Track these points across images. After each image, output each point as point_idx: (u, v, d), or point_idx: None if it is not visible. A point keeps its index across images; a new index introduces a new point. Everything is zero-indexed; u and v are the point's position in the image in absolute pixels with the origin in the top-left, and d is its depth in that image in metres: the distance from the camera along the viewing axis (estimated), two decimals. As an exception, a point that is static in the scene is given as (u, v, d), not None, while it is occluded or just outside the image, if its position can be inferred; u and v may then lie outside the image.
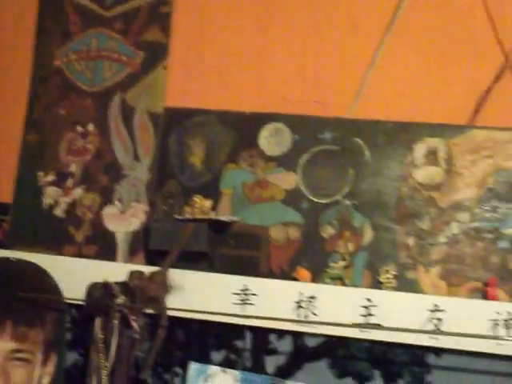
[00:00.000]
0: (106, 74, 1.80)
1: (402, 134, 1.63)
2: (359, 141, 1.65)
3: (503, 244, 1.54)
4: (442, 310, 1.46)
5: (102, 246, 1.73)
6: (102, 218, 1.74)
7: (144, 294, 1.55)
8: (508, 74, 1.61)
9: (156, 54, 1.78)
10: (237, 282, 1.57)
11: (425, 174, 1.60)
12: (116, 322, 1.53)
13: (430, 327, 1.46)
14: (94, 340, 1.55)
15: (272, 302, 1.54)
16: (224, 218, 1.64)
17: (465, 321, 1.45)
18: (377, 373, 1.53)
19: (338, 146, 1.66)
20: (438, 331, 1.45)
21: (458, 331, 1.43)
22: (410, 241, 1.58)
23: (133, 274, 1.58)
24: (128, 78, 1.79)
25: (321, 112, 1.68)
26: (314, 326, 1.52)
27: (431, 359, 1.51)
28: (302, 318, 1.52)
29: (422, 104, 1.64)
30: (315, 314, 1.52)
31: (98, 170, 1.77)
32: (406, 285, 1.56)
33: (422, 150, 1.61)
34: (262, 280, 1.57)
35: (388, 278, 1.55)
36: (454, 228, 1.56)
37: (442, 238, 1.57)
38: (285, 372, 1.58)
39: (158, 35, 1.78)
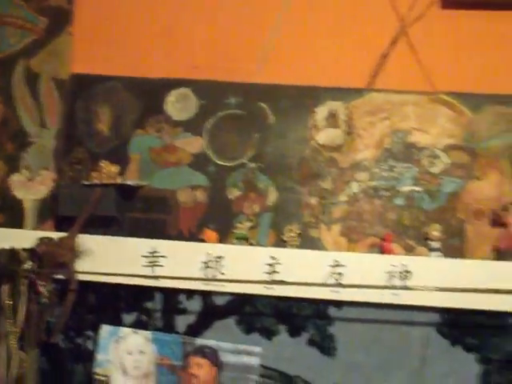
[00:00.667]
0: (9, 40, 1.78)
1: (305, 97, 1.68)
2: (263, 105, 1.69)
3: (399, 201, 1.62)
4: (342, 265, 1.54)
5: (10, 214, 1.72)
6: (9, 185, 1.73)
7: (52, 259, 1.57)
8: (403, 39, 1.68)
9: (60, 20, 1.77)
10: (145, 244, 1.60)
11: (326, 136, 1.66)
12: (23, 287, 1.54)
13: (332, 281, 1.54)
14: (2, 306, 1.55)
15: (180, 263, 1.58)
16: (131, 182, 1.66)
17: (363, 274, 1.53)
18: (282, 327, 1.60)
19: (242, 110, 1.70)
20: (338, 284, 1.53)
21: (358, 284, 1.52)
22: (313, 200, 1.64)
23: (41, 240, 1.59)
24: (32, 44, 1.77)
25: (226, 77, 1.71)
26: (222, 284, 1.57)
27: (333, 312, 1.58)
28: (210, 278, 1.57)
29: (323, 68, 1.69)
30: (222, 273, 1.57)
31: (3, 138, 1.75)
32: (309, 242, 1.63)
33: (324, 113, 1.67)
34: (171, 242, 1.61)
35: (292, 237, 1.61)
36: (354, 187, 1.64)
37: (342, 197, 1.64)
38: (195, 330, 1.62)
39: (62, 1, 1.76)
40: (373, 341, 1.58)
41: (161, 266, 1.59)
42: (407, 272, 1.53)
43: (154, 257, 1.59)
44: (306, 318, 1.59)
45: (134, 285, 1.59)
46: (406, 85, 1.67)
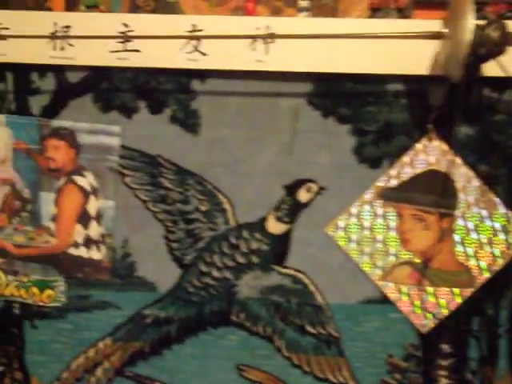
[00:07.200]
0: None
1: None
2: None
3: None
4: (200, 30, 1.38)
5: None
6: None
7: None
8: None
9: None
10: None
11: None
12: None
13: (189, 49, 1.39)
14: None
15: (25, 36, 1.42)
16: None
17: (224, 39, 1.37)
18: (142, 103, 1.47)
19: None
20: (196, 51, 1.38)
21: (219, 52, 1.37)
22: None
23: None
24: None
25: None
26: (71, 57, 1.43)
27: (196, 85, 1.44)
28: (58, 51, 1.42)
29: None
30: (71, 45, 1.42)
31: None
32: (166, 8, 1.45)
33: None
34: (13, 12, 1.44)
35: (146, 1, 1.44)
36: None
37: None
38: (50, 112, 1.50)
39: None
40: (239, 115, 1.45)
41: (4, 39, 1.43)
42: (272, 35, 1.37)
43: (-5, 30, 1.43)
44: (167, 93, 1.46)
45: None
46: None
